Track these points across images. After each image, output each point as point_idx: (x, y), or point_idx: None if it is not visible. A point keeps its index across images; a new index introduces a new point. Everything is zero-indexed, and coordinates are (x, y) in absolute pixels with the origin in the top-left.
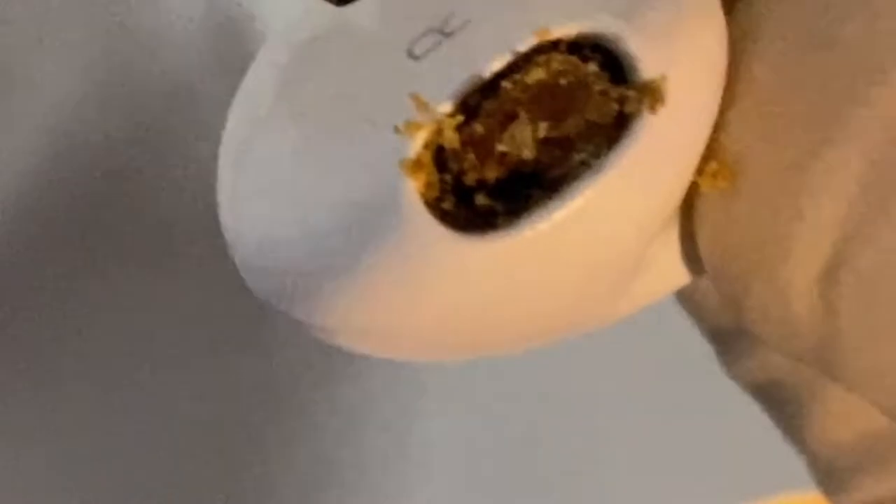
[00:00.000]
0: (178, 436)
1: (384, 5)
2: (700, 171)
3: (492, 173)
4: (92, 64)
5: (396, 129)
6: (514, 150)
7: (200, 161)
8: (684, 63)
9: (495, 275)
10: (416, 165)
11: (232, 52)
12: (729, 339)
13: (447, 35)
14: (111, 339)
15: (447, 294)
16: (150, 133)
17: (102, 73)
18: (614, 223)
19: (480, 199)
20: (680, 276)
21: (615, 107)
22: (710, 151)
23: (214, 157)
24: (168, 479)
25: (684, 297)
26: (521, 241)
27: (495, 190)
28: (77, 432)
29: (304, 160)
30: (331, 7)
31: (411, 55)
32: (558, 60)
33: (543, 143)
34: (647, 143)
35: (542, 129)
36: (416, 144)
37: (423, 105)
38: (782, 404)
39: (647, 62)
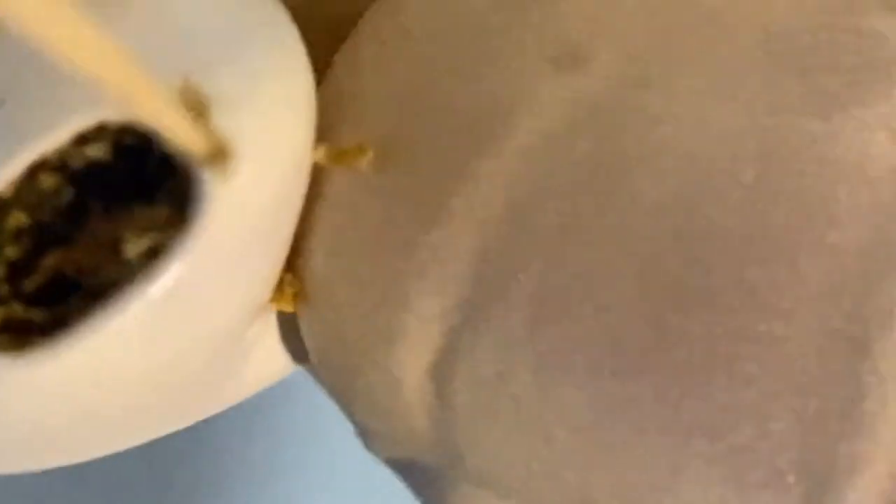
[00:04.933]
0: None
1: None
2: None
3: (30, 282)
4: None
5: None
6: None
7: None
8: (259, 142)
9: (42, 395)
10: None
11: None
12: None
13: None
14: None
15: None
16: None
17: None
18: (173, 329)
19: (17, 311)
20: (288, 361)
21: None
22: (291, 258)
23: None
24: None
25: (315, 375)
26: (66, 357)
27: (39, 297)
28: None
29: None
30: None
31: None
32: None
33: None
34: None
35: None
36: None
37: None
38: (424, 486)
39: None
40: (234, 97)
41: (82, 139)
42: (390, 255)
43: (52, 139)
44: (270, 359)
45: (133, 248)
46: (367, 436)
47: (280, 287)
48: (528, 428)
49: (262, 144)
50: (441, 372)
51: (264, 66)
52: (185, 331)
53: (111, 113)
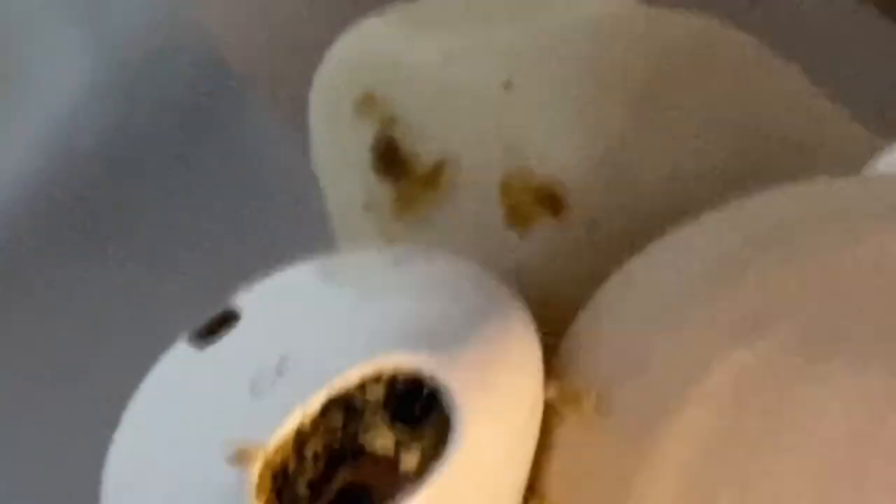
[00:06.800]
0: None
1: (237, 347)
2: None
3: (325, 497)
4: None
5: (235, 457)
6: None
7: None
8: (497, 396)
9: None
10: (256, 489)
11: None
12: None
13: (281, 374)
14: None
15: None
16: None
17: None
18: None
19: None
20: None
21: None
22: (532, 488)
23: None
24: None
25: None
26: None
27: None
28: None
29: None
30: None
31: (253, 391)
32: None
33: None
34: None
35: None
36: (254, 470)
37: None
38: None
39: (461, 393)
40: (478, 368)
41: (363, 384)
42: (606, 492)
43: (339, 386)
44: None
45: (408, 462)
46: None
47: None
48: None
49: (503, 399)
50: None
51: (498, 349)
52: None
53: (386, 364)
